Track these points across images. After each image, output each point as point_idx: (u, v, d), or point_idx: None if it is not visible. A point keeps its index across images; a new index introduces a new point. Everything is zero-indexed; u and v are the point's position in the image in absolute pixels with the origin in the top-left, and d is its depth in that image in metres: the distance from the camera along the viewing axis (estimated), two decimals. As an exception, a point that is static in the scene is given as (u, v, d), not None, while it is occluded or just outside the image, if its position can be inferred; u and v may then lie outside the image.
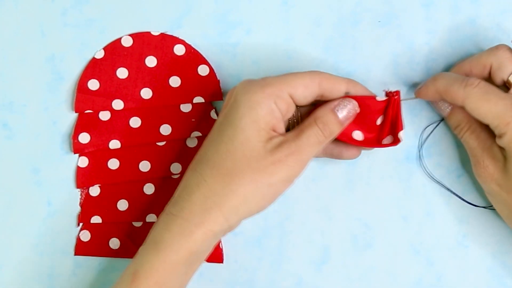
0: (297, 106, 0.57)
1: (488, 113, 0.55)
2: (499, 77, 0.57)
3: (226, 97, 0.58)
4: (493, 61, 0.57)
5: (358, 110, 0.57)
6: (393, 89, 0.58)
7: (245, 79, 0.57)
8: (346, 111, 0.57)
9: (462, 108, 0.57)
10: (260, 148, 0.54)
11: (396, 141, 0.58)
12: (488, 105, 0.55)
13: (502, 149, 0.56)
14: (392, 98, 0.57)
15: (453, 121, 0.59)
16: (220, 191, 0.54)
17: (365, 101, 0.57)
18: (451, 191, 0.62)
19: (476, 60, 0.58)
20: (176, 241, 0.54)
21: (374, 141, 0.58)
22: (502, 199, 0.56)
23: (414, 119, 0.63)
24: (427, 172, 0.62)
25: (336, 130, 0.57)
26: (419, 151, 0.62)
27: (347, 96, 0.57)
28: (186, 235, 0.54)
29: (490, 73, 0.58)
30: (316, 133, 0.56)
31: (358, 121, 0.57)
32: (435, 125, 0.62)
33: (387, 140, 0.58)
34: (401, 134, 0.58)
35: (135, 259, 0.56)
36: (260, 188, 0.54)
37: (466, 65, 0.59)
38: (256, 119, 0.54)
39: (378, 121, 0.58)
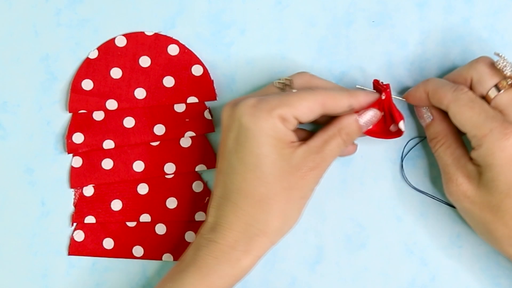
0: None
1: (468, 121, 0.55)
2: (479, 91, 0.57)
3: (224, 117, 0.57)
4: (473, 75, 0.57)
5: (379, 116, 0.58)
6: (383, 81, 0.58)
7: (244, 102, 0.55)
8: (369, 118, 0.58)
9: (443, 120, 0.58)
10: (287, 166, 0.55)
11: (399, 132, 0.58)
12: (470, 113, 0.55)
13: (476, 166, 0.56)
14: (385, 91, 0.58)
15: (431, 131, 0.59)
16: (261, 217, 0.55)
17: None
18: (435, 197, 0.62)
19: (458, 74, 0.58)
20: (222, 268, 0.55)
21: (382, 131, 0.59)
22: (476, 216, 0.56)
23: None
24: (409, 183, 0.63)
25: (357, 137, 0.58)
26: (401, 163, 0.62)
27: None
28: (234, 262, 0.55)
29: (471, 87, 0.57)
30: (339, 143, 0.57)
31: None
32: (417, 140, 0.62)
33: (393, 127, 0.59)
34: (401, 125, 0.57)
35: (174, 281, 0.56)
36: (295, 203, 0.56)
37: (449, 79, 0.59)
38: (274, 143, 0.55)
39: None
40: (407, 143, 0.63)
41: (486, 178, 0.55)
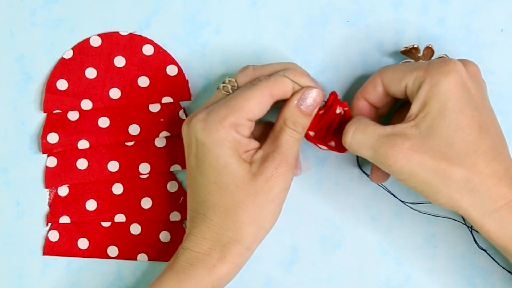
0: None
1: (403, 69, 0.56)
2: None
3: (183, 136, 0.57)
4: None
5: (322, 96, 0.57)
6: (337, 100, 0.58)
7: (196, 117, 0.56)
8: (311, 101, 0.56)
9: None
10: (248, 173, 0.55)
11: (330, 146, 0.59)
12: (403, 65, 0.57)
13: (412, 121, 0.54)
14: (346, 111, 0.58)
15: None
16: (231, 225, 0.56)
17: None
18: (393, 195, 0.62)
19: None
20: (198, 274, 0.56)
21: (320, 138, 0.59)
22: (428, 169, 0.53)
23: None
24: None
25: (307, 123, 0.57)
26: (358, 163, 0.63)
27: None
28: (210, 269, 0.56)
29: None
30: (291, 134, 0.57)
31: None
32: None
33: (331, 144, 0.59)
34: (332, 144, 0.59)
35: (153, 286, 0.57)
36: (265, 207, 0.56)
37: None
38: (230, 153, 0.55)
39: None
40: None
41: (432, 116, 0.53)
